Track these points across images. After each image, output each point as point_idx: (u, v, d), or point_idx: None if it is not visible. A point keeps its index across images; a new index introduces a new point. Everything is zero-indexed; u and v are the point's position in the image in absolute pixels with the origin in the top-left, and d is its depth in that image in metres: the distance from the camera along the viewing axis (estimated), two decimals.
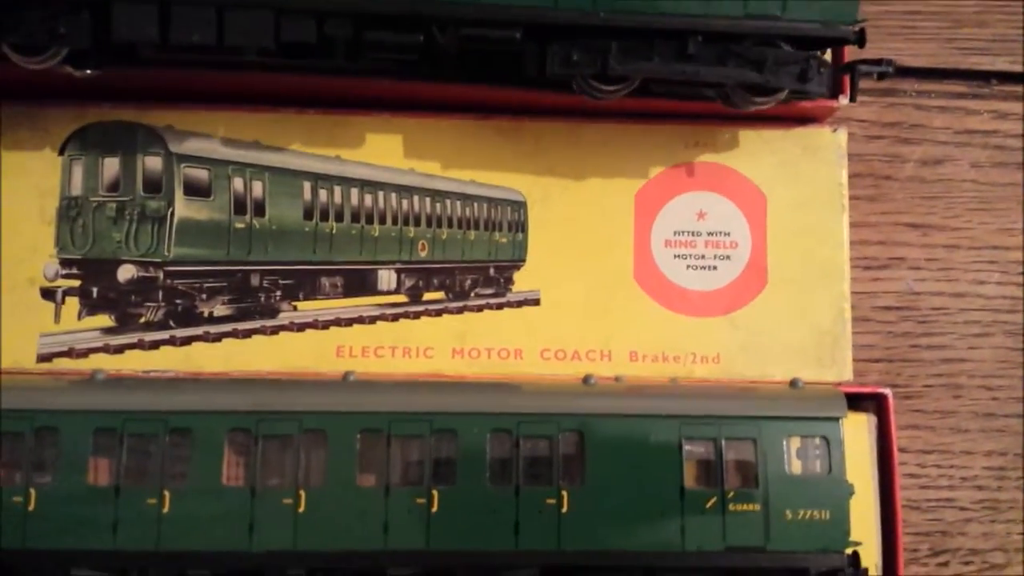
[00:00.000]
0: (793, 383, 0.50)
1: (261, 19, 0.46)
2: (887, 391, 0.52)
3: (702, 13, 0.47)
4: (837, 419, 0.47)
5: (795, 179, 0.56)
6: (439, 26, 0.47)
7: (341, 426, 0.45)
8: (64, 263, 0.53)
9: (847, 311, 0.55)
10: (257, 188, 0.55)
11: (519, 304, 0.55)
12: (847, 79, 0.53)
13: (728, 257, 0.55)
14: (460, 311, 0.55)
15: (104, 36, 0.46)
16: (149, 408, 0.45)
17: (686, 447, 0.46)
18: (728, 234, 0.56)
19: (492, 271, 0.57)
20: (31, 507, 0.44)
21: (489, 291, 0.56)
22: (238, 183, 0.55)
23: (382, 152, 0.55)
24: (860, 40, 0.50)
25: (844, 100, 0.53)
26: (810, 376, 0.52)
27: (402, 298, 0.56)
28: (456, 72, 0.51)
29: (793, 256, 0.55)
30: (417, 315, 0.55)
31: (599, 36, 0.48)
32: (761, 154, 0.56)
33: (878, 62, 0.51)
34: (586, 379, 0.49)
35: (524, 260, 0.55)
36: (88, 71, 0.48)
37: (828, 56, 0.54)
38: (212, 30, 0.46)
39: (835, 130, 0.56)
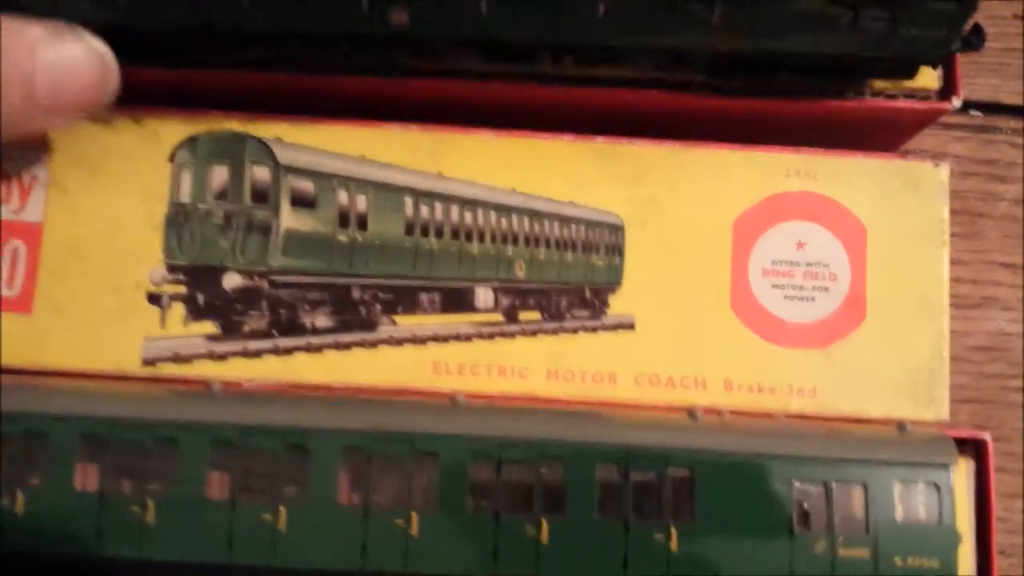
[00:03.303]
0: (900, 426, 0.50)
1: None
2: (987, 437, 0.51)
3: None
4: (947, 466, 0.47)
5: (896, 212, 0.56)
6: None
7: (452, 449, 0.46)
8: (171, 269, 0.53)
9: (945, 349, 0.54)
10: (361, 202, 0.55)
11: (614, 327, 0.55)
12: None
13: (827, 289, 0.55)
14: (555, 332, 0.55)
15: None
16: (266, 423, 0.46)
17: (796, 489, 0.46)
18: (827, 265, 0.56)
19: (588, 293, 0.57)
20: (148, 519, 0.45)
21: (584, 313, 0.56)
22: (342, 196, 0.55)
23: (483, 170, 0.55)
24: None
25: (957, 102, 0.54)
26: (906, 413, 0.52)
27: (498, 317, 0.56)
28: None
29: (892, 290, 0.55)
30: (513, 334, 0.55)
31: None
32: (862, 185, 0.56)
33: None
34: (691, 413, 0.49)
35: (620, 283, 0.56)
36: None
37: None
38: None
39: (937, 164, 0.56)
